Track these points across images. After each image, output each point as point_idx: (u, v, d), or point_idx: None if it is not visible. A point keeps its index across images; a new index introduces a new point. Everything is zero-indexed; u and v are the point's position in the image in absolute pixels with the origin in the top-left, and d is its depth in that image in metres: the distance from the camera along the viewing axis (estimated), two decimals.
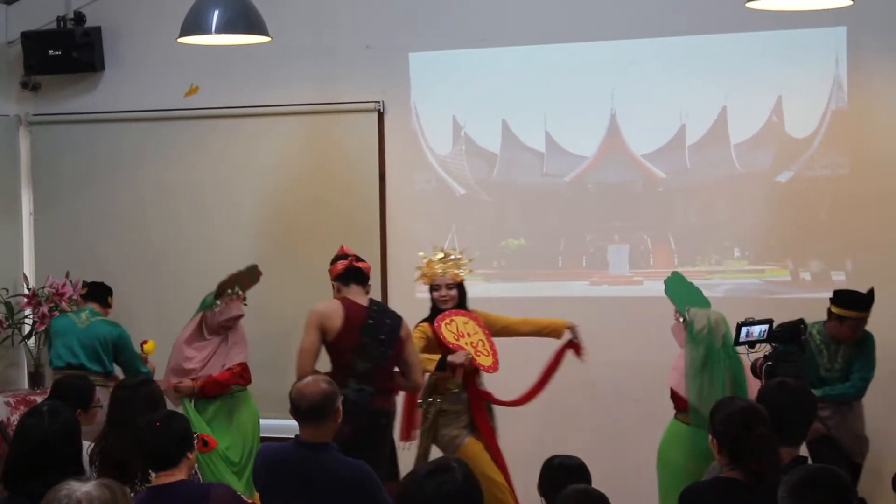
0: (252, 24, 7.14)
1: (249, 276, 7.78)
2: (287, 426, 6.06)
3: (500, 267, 8.94)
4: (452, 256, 7.62)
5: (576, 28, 8.71)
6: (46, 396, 6.35)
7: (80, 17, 9.55)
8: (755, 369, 7.07)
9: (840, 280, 8.21)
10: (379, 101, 9.07)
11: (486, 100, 8.91)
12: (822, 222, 8.37)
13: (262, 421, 7.93)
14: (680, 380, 6.59)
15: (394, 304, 8.89)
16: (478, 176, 8.97)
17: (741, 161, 8.46)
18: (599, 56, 8.75)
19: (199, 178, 9.44)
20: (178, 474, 4.89)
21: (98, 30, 9.54)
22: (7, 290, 9.43)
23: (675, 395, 6.75)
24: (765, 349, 7.14)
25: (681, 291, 6.84)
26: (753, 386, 6.51)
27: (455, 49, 8.98)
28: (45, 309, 9.05)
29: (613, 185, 8.78)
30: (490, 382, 7.58)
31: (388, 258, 9.04)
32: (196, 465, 5.29)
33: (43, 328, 9.05)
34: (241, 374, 7.78)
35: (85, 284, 8.72)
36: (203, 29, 7.08)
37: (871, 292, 7.39)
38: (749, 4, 6.44)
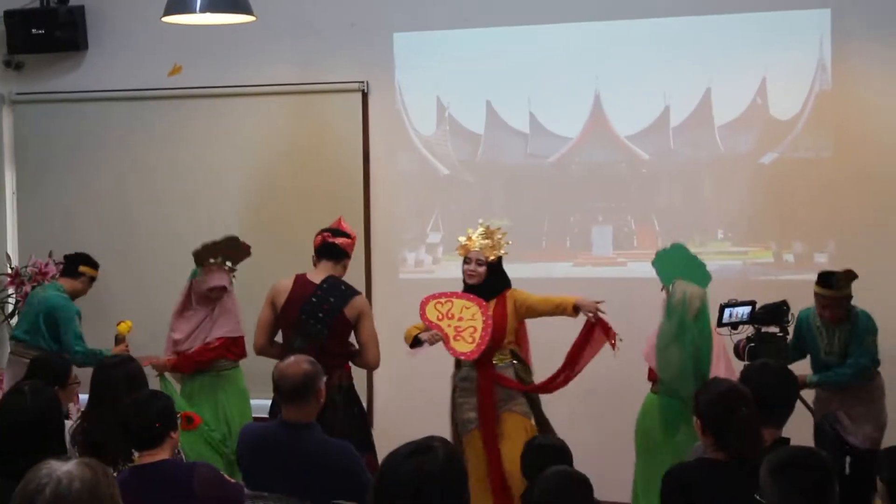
0: (236, 3, 7.13)
1: (232, 247, 7.66)
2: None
3: None
4: (497, 236, 7.35)
5: (560, 9, 8.70)
6: (23, 376, 6.31)
7: None
8: (738, 351, 7.10)
9: (822, 262, 8.22)
10: (363, 82, 9.06)
11: (470, 80, 8.90)
12: (805, 204, 8.38)
13: (252, 401, 7.74)
14: (651, 351, 6.61)
15: (377, 284, 8.94)
16: (462, 156, 8.97)
17: (725, 143, 8.48)
18: (584, 37, 8.74)
19: (181, 157, 9.43)
20: (162, 454, 4.89)
21: (81, 8, 9.50)
22: None
23: (651, 368, 6.79)
24: (748, 331, 7.17)
25: (673, 264, 6.77)
26: (721, 364, 6.47)
27: (439, 29, 8.98)
28: (27, 288, 9.00)
29: (597, 166, 8.79)
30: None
31: (371, 238, 9.03)
32: (179, 445, 5.29)
33: None
34: (229, 349, 7.61)
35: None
36: (187, 8, 7.04)
37: (848, 273, 7.36)
38: None
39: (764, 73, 8.35)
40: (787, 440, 4.84)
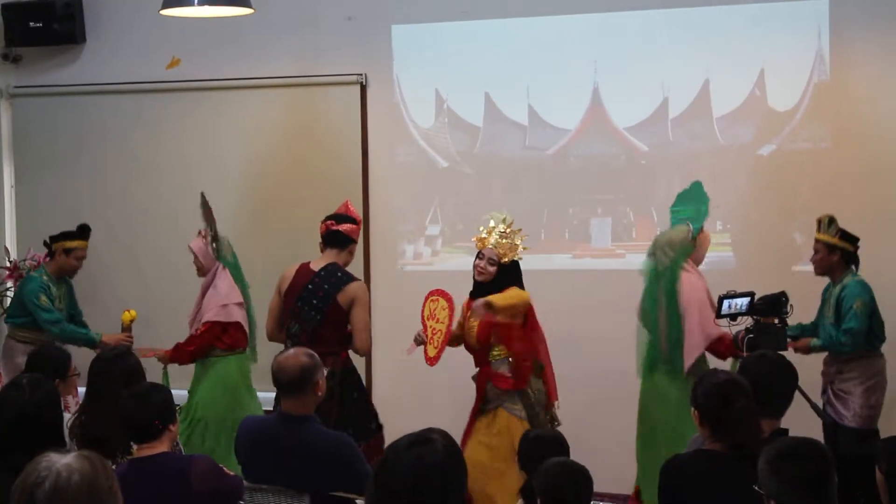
0: None
1: (203, 206, 7.69)
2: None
3: None
4: (516, 239, 7.06)
5: (559, 1, 8.69)
6: (23, 369, 6.33)
7: None
8: (737, 341, 7.10)
9: None
10: (361, 74, 9.05)
11: (468, 73, 8.89)
12: (803, 195, 8.38)
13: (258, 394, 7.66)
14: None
15: (376, 276, 8.93)
16: (460, 149, 8.96)
17: (724, 134, 8.47)
18: (582, 29, 8.73)
19: (180, 149, 9.43)
20: (160, 447, 4.90)
21: (79, 1, 9.50)
22: None
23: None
24: (747, 322, 7.16)
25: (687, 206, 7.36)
26: (692, 308, 6.98)
27: (438, 22, 8.97)
28: None
29: (596, 158, 8.78)
30: None
31: (370, 230, 9.02)
32: (178, 437, 5.29)
33: None
34: (218, 337, 7.52)
35: None
36: (185, 0, 7.04)
37: (830, 217, 7.51)
38: None
39: (762, 65, 8.34)
40: (786, 431, 4.84)
